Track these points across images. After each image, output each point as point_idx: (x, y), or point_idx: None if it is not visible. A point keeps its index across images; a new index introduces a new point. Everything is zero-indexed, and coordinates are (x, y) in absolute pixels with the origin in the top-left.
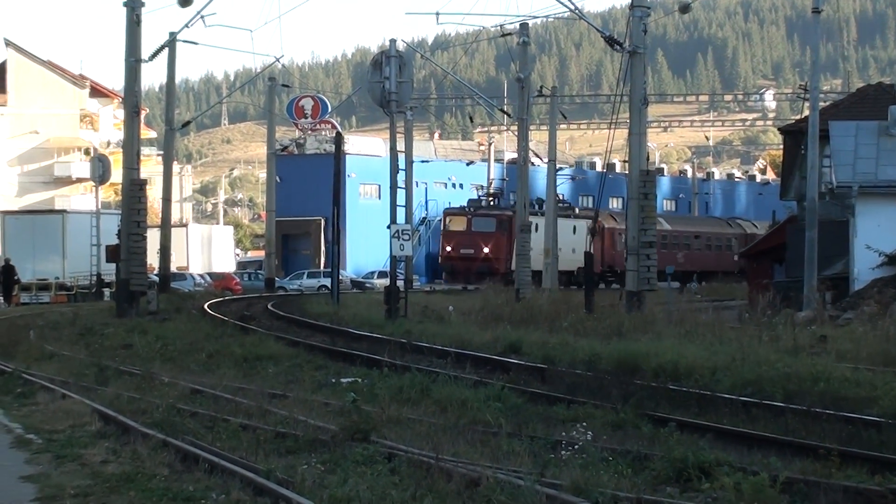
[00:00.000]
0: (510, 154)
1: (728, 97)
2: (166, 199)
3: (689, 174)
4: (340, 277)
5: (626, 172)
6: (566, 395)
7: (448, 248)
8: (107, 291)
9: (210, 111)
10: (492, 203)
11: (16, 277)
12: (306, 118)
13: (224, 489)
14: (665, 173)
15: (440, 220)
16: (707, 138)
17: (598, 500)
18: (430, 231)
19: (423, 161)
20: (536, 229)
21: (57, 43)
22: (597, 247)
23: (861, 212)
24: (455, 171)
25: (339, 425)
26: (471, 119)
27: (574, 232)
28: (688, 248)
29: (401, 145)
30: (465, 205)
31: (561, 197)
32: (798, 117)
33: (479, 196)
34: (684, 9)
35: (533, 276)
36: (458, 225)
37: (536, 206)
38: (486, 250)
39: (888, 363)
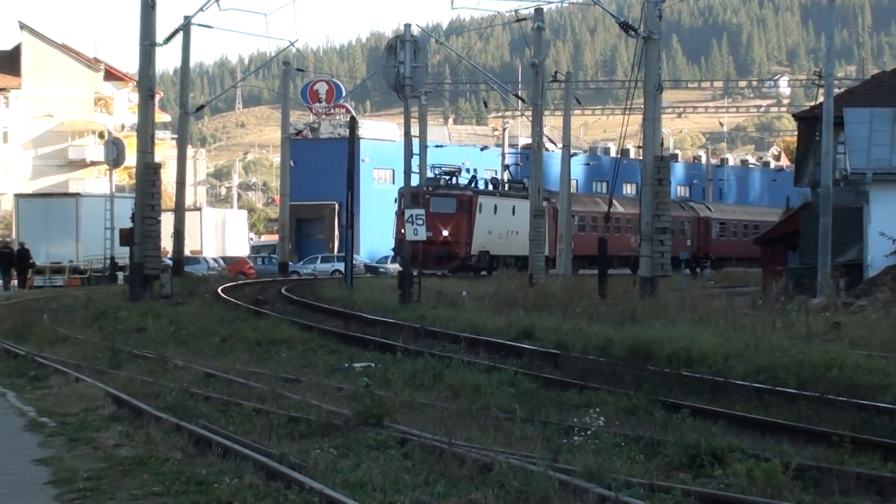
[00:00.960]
0: (524, 139)
1: (742, 83)
2: (180, 183)
3: (703, 160)
4: (354, 262)
5: (641, 158)
6: (579, 381)
7: (403, 231)
8: (120, 275)
9: (224, 95)
10: (450, 182)
11: (31, 261)
12: (321, 102)
13: (237, 473)
14: (679, 159)
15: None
16: (721, 124)
17: (610, 486)
18: None
19: (437, 146)
20: (495, 211)
21: (72, 26)
22: (551, 231)
23: (875, 199)
24: (469, 156)
25: (352, 410)
26: (485, 104)
27: (514, 213)
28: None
29: (415, 130)
30: (425, 183)
31: (494, 173)
32: (812, 104)
33: (437, 174)
34: None
35: (494, 260)
36: (416, 205)
37: (491, 185)
38: (445, 233)
39: None
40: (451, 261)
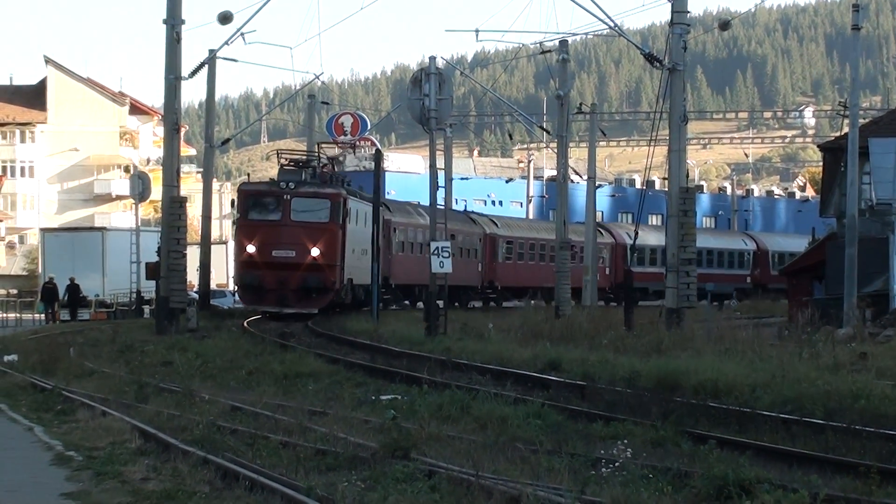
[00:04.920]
0: (549, 171)
1: (767, 114)
2: (206, 217)
3: (729, 191)
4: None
5: (666, 189)
6: (606, 413)
7: (250, 250)
8: (146, 308)
9: (249, 128)
10: (314, 176)
11: (81, 295)
12: (346, 135)
13: None
14: (704, 190)
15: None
16: (746, 155)
17: None
18: None
19: (462, 178)
20: (356, 220)
21: (97, 60)
22: (474, 259)
23: None
24: (494, 188)
25: (379, 442)
26: (510, 136)
27: (365, 223)
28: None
29: (440, 162)
30: (279, 177)
31: (520, 205)
32: (837, 134)
33: (284, 163)
34: (724, 26)
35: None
36: (267, 210)
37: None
38: (315, 252)
39: None
40: (322, 294)
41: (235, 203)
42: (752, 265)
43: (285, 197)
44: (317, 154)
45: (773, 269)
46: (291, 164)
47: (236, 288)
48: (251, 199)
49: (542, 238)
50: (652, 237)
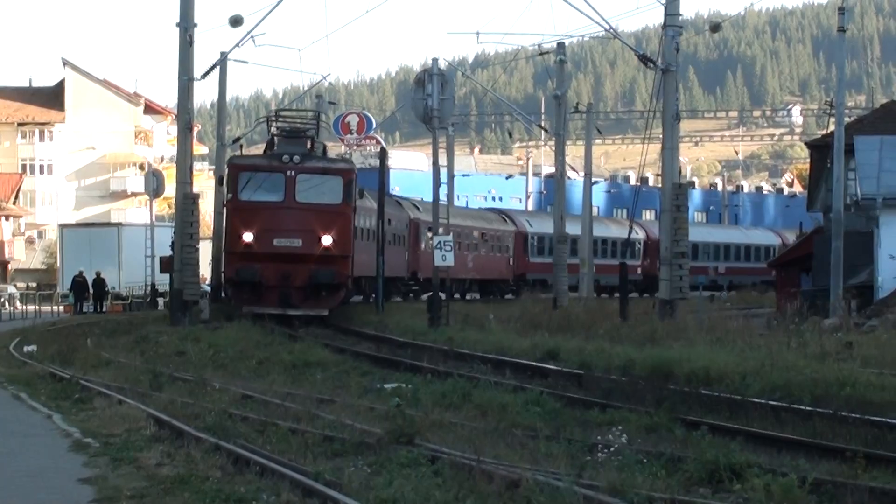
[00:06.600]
0: (548, 168)
1: (756, 113)
2: (218, 212)
3: (720, 187)
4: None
5: (660, 185)
6: (602, 400)
7: (247, 238)
8: (161, 301)
9: (259, 127)
10: (314, 147)
11: (107, 289)
12: (352, 134)
13: (274, 490)
14: (696, 186)
15: None
16: (736, 152)
17: (633, 501)
18: None
19: (464, 175)
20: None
21: (112, 62)
22: (402, 247)
23: (885, 223)
24: (495, 184)
25: (384, 429)
26: (510, 134)
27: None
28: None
29: (442, 160)
30: (277, 148)
31: (519, 201)
32: (824, 132)
33: (277, 130)
34: (715, 28)
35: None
36: (266, 189)
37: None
38: (326, 241)
39: None
40: (334, 292)
41: (225, 180)
42: (642, 255)
43: (289, 173)
44: (316, 120)
45: None
46: (285, 133)
47: (227, 285)
48: (246, 175)
49: (467, 225)
50: (549, 223)
